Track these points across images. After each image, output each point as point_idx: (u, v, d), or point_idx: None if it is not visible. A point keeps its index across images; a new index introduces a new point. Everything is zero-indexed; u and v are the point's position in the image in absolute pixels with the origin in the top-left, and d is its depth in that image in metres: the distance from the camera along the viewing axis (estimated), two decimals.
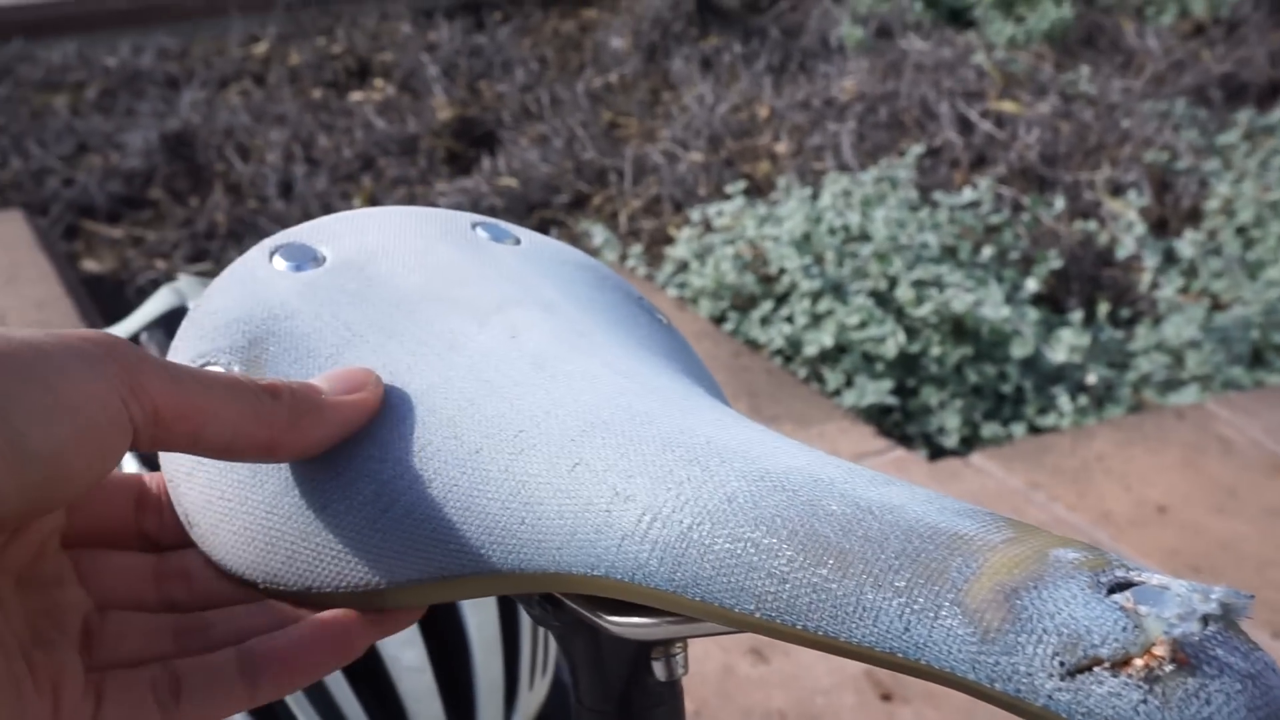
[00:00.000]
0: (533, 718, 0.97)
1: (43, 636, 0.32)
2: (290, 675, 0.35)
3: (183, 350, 0.40)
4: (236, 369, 0.38)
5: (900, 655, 0.28)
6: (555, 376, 0.37)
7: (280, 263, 0.42)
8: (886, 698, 1.37)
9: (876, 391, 2.06)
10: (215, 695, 0.34)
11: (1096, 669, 0.25)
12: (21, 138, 3.19)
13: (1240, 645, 0.25)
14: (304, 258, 0.42)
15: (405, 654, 0.89)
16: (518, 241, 0.46)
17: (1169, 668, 0.25)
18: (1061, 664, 0.25)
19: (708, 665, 1.41)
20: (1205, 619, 0.25)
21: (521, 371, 0.37)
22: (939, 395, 2.09)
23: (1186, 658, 0.25)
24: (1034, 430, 2.05)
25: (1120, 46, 3.56)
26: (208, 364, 0.39)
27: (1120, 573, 0.27)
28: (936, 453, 1.99)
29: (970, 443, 2.04)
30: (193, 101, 3.37)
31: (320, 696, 0.86)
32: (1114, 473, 1.74)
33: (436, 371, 0.38)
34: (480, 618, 0.92)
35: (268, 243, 0.43)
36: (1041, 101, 3.16)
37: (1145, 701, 0.24)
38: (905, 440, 2.03)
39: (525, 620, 0.95)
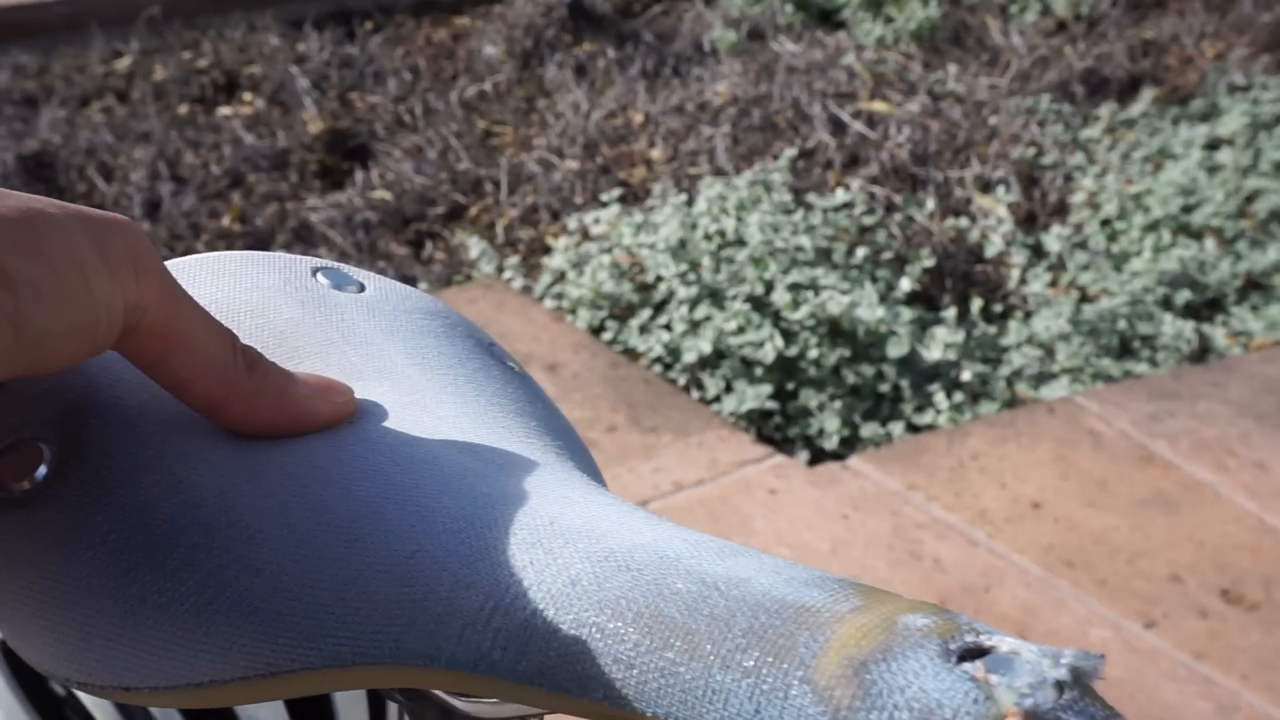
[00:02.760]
0: None
1: None
2: None
3: None
4: (52, 445, 0.36)
5: None
6: (396, 460, 0.35)
7: None
8: None
9: (756, 396, 2.07)
10: None
11: None
12: None
13: (1096, 712, 0.25)
14: None
15: None
16: (361, 288, 0.45)
17: None
18: None
19: None
20: (1059, 685, 0.25)
21: (359, 456, 0.35)
22: (818, 397, 2.11)
23: None
24: (912, 428, 2.07)
25: (986, 44, 3.62)
26: (19, 440, 0.36)
27: (970, 638, 0.26)
28: (817, 455, 2.01)
29: (850, 443, 2.05)
30: (52, 120, 3.27)
31: None
32: (989, 470, 1.77)
33: (269, 456, 0.36)
34: (348, 693, 0.89)
35: None
36: (911, 101, 3.21)
37: None
38: (786, 443, 2.04)
39: None
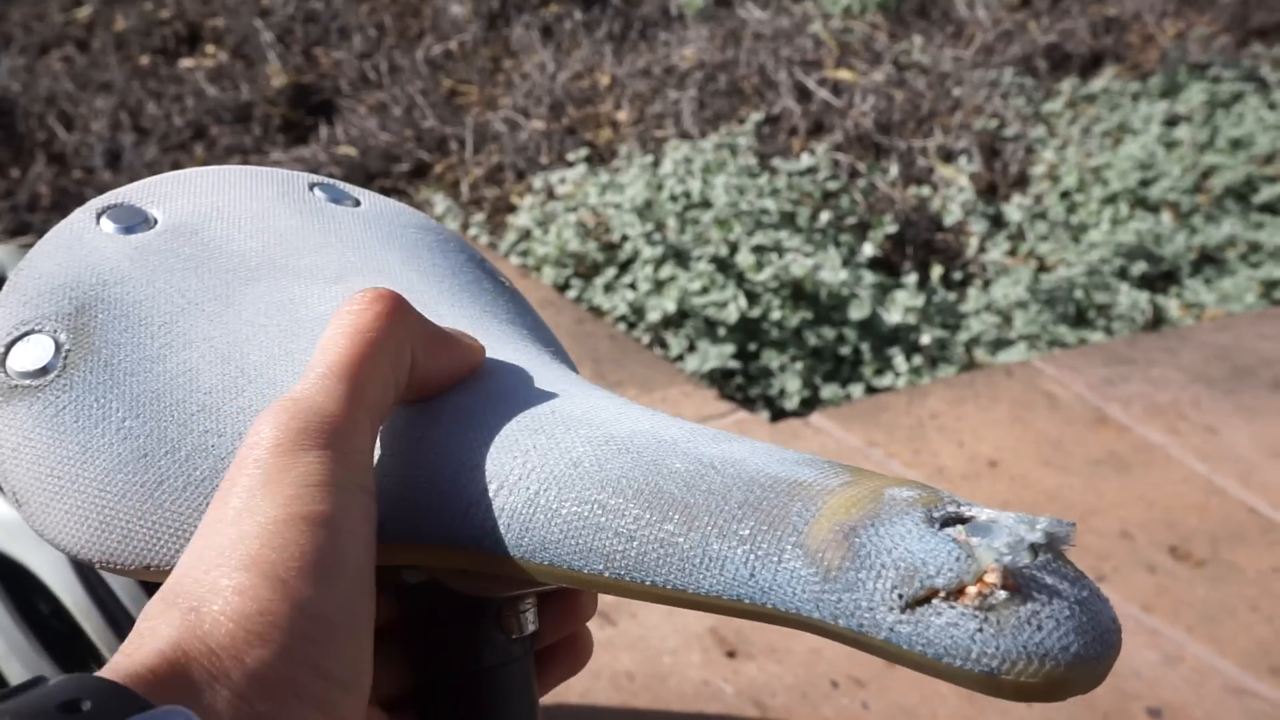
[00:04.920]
0: None
1: None
2: None
3: (3, 318, 0.38)
4: (62, 337, 0.37)
5: (747, 601, 0.28)
6: None
7: (108, 225, 0.40)
8: (731, 654, 1.39)
9: (719, 356, 2.09)
10: None
11: (934, 600, 0.26)
12: None
13: (1068, 573, 0.26)
14: (134, 220, 0.40)
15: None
16: (357, 203, 0.46)
17: (1001, 594, 0.25)
18: (900, 596, 0.26)
19: None
20: (1034, 548, 0.26)
21: None
22: (780, 358, 2.13)
23: (1017, 584, 0.26)
24: (871, 390, 2.10)
25: (951, 17, 3.64)
26: (31, 332, 0.37)
27: (952, 508, 0.28)
28: (778, 415, 2.03)
29: (811, 404, 2.08)
30: (11, 68, 3.22)
31: None
32: (947, 429, 1.80)
33: (277, 344, 0.37)
34: None
35: (94, 203, 0.42)
36: (876, 70, 3.22)
37: (981, 630, 0.25)
38: (747, 403, 2.06)
39: None
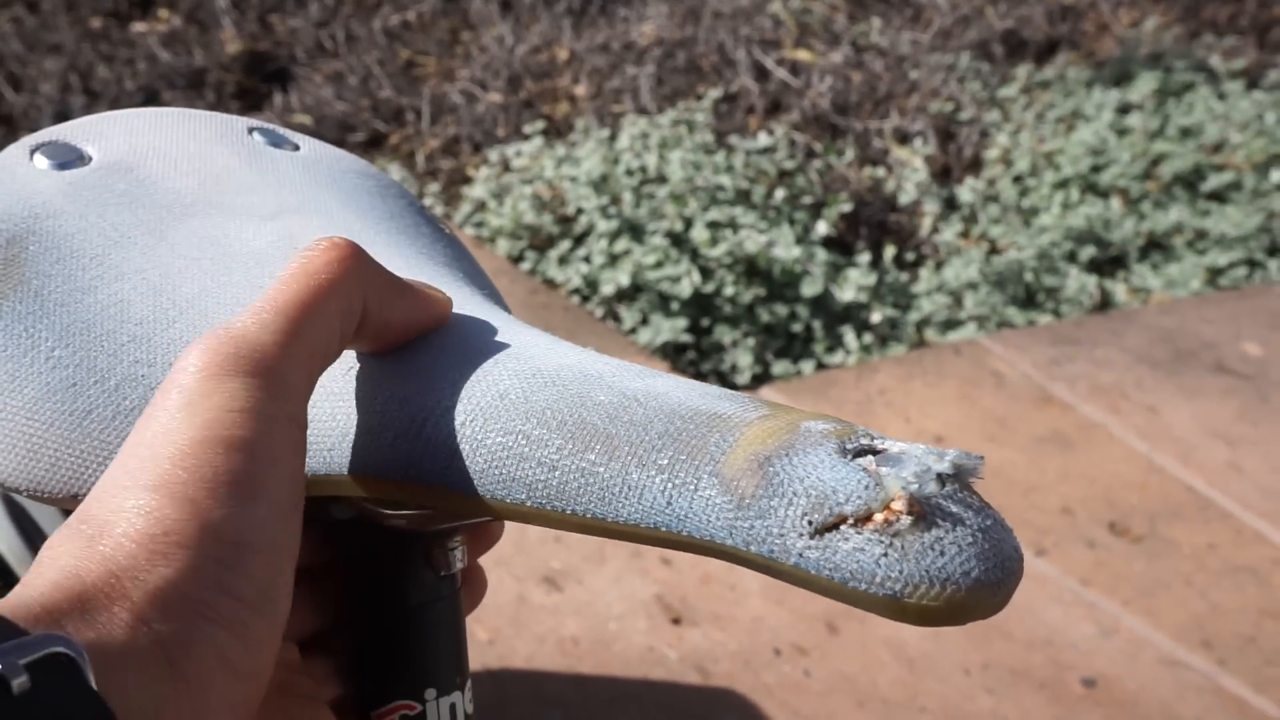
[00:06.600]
0: None
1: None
2: None
3: None
4: None
5: (664, 529, 0.29)
6: None
7: (41, 161, 0.40)
8: (676, 621, 1.41)
9: (671, 330, 2.09)
10: None
11: (842, 526, 0.27)
12: None
13: (973, 502, 0.27)
14: (68, 156, 0.40)
15: None
16: (296, 148, 0.46)
17: (906, 520, 0.26)
18: (810, 523, 0.27)
19: (501, 595, 1.42)
20: (941, 479, 0.27)
21: None
22: (732, 334, 2.14)
23: (923, 511, 0.26)
24: (822, 367, 2.11)
25: (910, 1, 3.66)
26: None
27: (865, 440, 0.28)
28: (729, 389, 2.04)
29: (762, 380, 2.09)
30: None
31: None
32: (895, 405, 1.82)
33: (210, 276, 0.37)
34: None
35: (28, 140, 0.41)
36: (835, 51, 3.23)
37: (886, 555, 0.26)
38: (699, 377, 2.07)
39: None
